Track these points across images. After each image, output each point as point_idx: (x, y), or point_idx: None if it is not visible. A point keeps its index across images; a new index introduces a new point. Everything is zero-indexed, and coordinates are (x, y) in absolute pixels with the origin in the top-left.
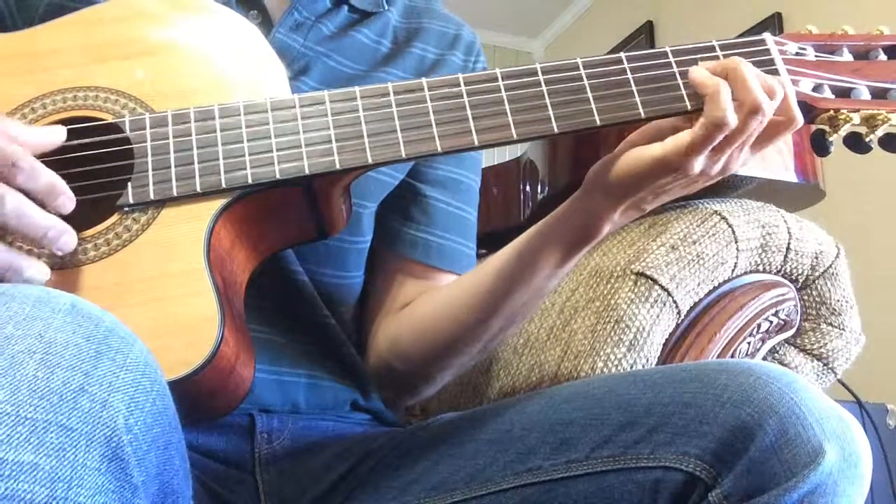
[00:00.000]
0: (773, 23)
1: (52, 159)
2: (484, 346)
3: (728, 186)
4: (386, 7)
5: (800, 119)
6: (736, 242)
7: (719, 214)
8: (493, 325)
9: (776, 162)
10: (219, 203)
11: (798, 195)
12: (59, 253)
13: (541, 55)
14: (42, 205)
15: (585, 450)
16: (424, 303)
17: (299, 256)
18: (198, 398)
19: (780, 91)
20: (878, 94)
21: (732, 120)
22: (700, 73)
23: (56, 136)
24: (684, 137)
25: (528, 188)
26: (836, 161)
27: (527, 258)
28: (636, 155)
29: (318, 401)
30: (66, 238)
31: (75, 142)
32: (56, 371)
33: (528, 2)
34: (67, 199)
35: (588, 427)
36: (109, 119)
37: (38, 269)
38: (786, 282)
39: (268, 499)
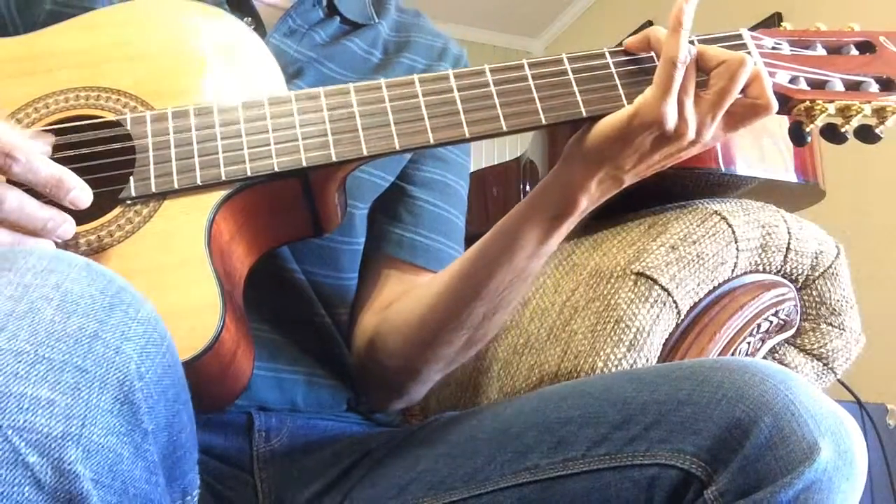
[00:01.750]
0: (773, 23)
1: (55, 156)
2: (470, 337)
3: (728, 186)
4: (376, 20)
5: (774, 103)
6: (736, 242)
7: (719, 214)
8: (477, 310)
9: (776, 162)
10: (219, 195)
11: (798, 195)
12: (59, 241)
13: (541, 55)
14: (49, 198)
15: (582, 448)
16: (407, 296)
17: (295, 256)
18: (199, 385)
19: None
20: (852, 86)
21: (682, 52)
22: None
23: (43, 141)
24: (650, 88)
25: (527, 188)
26: (836, 161)
27: (508, 237)
28: (609, 118)
29: (317, 399)
30: (66, 227)
31: (77, 137)
32: (72, 317)
33: (528, 2)
34: (81, 192)
35: (585, 425)
36: (111, 117)
37: (44, 246)
38: (786, 282)
39: (266, 497)
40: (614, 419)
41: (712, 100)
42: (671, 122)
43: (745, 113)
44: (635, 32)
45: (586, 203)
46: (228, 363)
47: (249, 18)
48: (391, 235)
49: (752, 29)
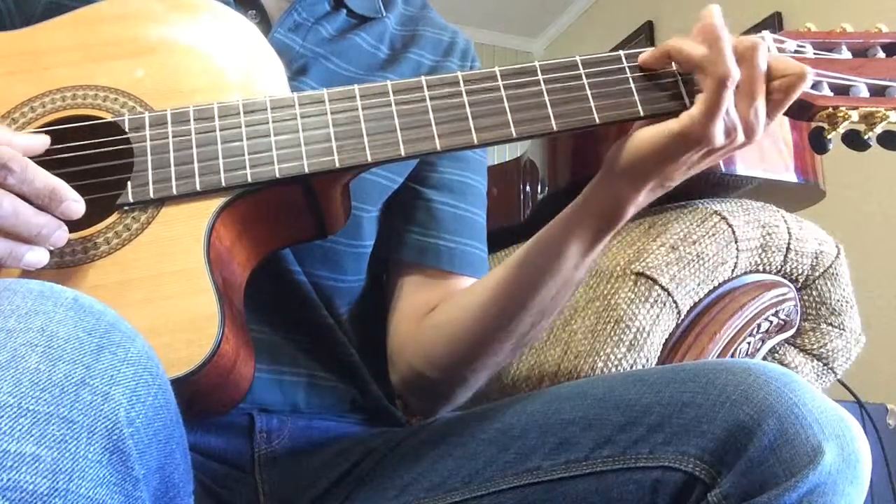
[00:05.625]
0: (773, 23)
1: (51, 159)
2: (517, 343)
3: (728, 186)
4: (384, 14)
5: (807, 68)
6: (736, 242)
7: (719, 214)
8: (524, 321)
9: (776, 162)
10: (218, 202)
11: (798, 195)
12: (52, 248)
13: (541, 55)
14: (43, 208)
15: (585, 450)
16: (449, 307)
17: (297, 257)
18: (198, 396)
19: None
20: (877, 92)
21: (735, 70)
22: (698, 32)
23: (39, 141)
24: (697, 107)
25: (528, 188)
26: (836, 161)
27: (552, 250)
28: (654, 133)
29: (318, 400)
30: (59, 234)
31: (74, 142)
32: (58, 364)
33: (528, 2)
34: (73, 203)
35: (588, 427)
36: (108, 118)
37: (37, 254)
38: (786, 282)
39: (267, 499)
40: (617, 421)
41: (768, 109)
42: (720, 140)
43: (785, 92)
44: (635, 33)
45: (633, 211)
46: (228, 373)
47: (254, 11)
48: (413, 242)
49: (752, 30)
